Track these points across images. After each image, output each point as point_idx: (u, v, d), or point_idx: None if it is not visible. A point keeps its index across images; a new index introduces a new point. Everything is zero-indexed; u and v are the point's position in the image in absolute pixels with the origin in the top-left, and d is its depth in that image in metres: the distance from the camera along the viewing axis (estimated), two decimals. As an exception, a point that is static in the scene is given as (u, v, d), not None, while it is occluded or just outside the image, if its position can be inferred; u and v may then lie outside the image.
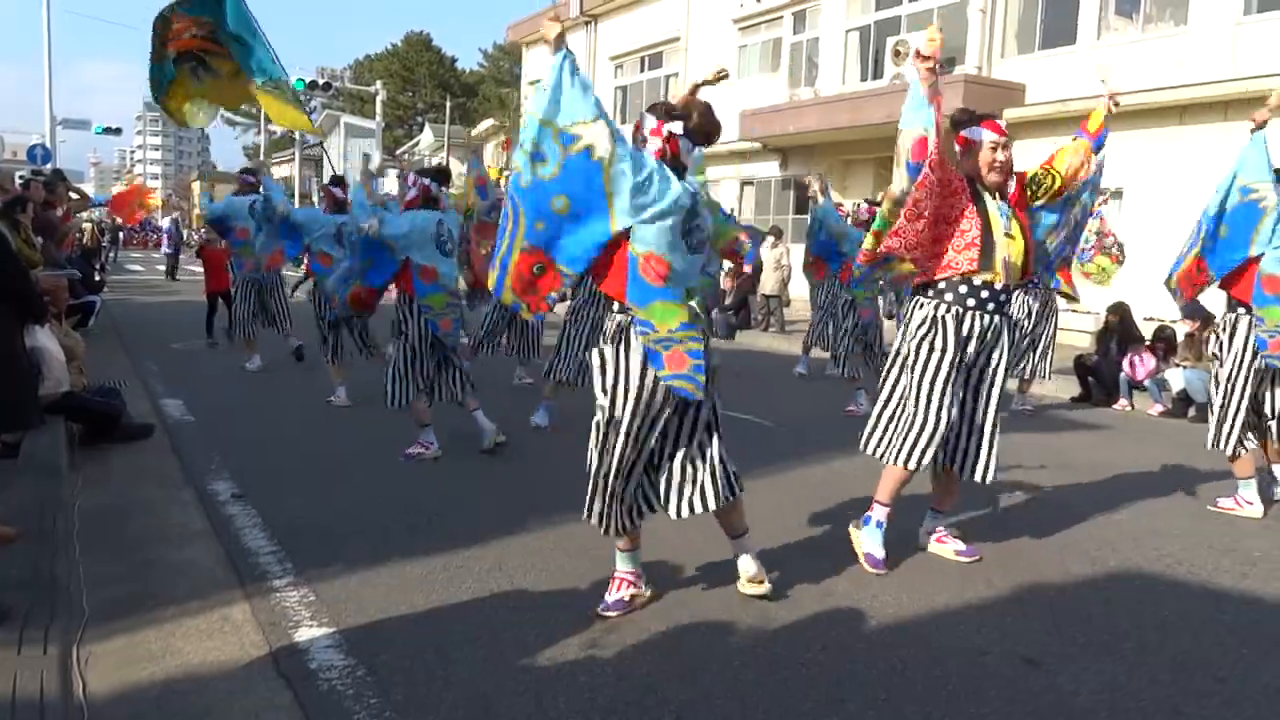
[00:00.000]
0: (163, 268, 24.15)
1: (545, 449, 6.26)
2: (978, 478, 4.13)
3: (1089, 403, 9.25)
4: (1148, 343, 9.40)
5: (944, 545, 4.31)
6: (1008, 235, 3.92)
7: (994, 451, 4.12)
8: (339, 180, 8.19)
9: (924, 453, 4.00)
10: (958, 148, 4.02)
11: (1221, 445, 5.19)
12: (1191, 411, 8.63)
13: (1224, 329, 5.26)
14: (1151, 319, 10.02)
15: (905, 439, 4.04)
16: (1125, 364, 9.14)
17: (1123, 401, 9.11)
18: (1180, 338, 9.17)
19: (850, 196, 15.28)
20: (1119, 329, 9.39)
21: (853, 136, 16.07)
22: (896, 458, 4.06)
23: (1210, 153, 12.01)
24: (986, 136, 3.95)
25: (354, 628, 3.33)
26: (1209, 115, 12.09)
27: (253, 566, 3.93)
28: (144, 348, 10.58)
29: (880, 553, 4.11)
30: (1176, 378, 8.76)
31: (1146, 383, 9.02)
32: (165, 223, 24.28)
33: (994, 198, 3.97)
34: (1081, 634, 3.50)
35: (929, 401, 3.96)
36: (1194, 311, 8.87)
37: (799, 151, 18.56)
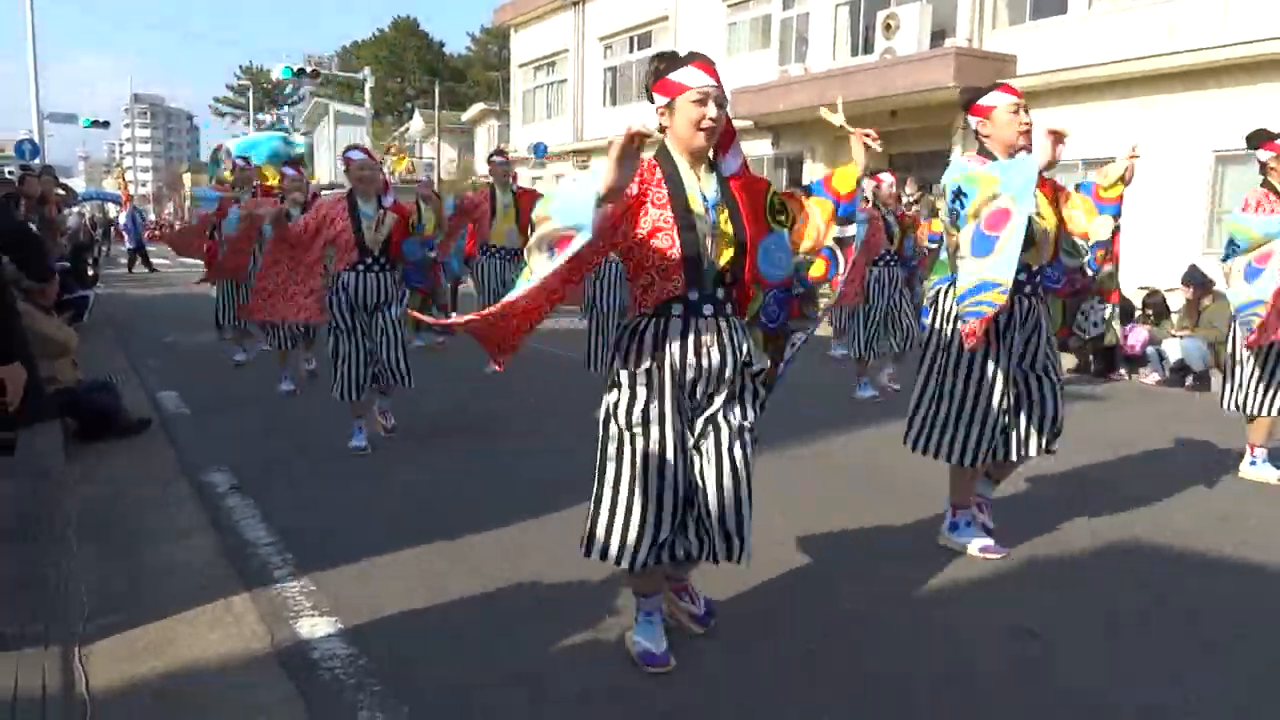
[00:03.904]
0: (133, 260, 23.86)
1: (545, 438, 6.26)
2: (1035, 452, 3.99)
3: (1088, 374, 9.25)
4: (1139, 311, 9.40)
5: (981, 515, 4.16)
6: (1038, 214, 3.77)
7: (1060, 421, 3.96)
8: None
9: (985, 449, 3.90)
10: (974, 119, 3.86)
11: None
12: (1189, 380, 8.64)
13: None
14: (1144, 287, 10.00)
15: (961, 435, 3.91)
16: (1120, 335, 9.14)
17: (1121, 372, 9.11)
18: (1178, 305, 9.16)
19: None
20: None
21: (845, 113, 16.00)
22: (956, 456, 3.94)
23: (1202, 120, 11.97)
24: (1005, 100, 3.78)
25: (356, 617, 3.33)
26: (1200, 82, 12.03)
27: (252, 558, 3.92)
28: (139, 341, 10.55)
29: (989, 540, 4.05)
30: (1174, 347, 8.75)
31: (1148, 350, 9.01)
32: (122, 218, 23.98)
33: None
34: (1082, 604, 3.51)
35: (979, 393, 3.85)
36: (1193, 278, 8.87)
37: (791, 129, 18.46)
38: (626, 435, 2.78)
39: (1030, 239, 3.71)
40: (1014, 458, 4.01)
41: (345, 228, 5.47)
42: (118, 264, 25.37)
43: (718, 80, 2.76)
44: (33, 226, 7.63)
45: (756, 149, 19.23)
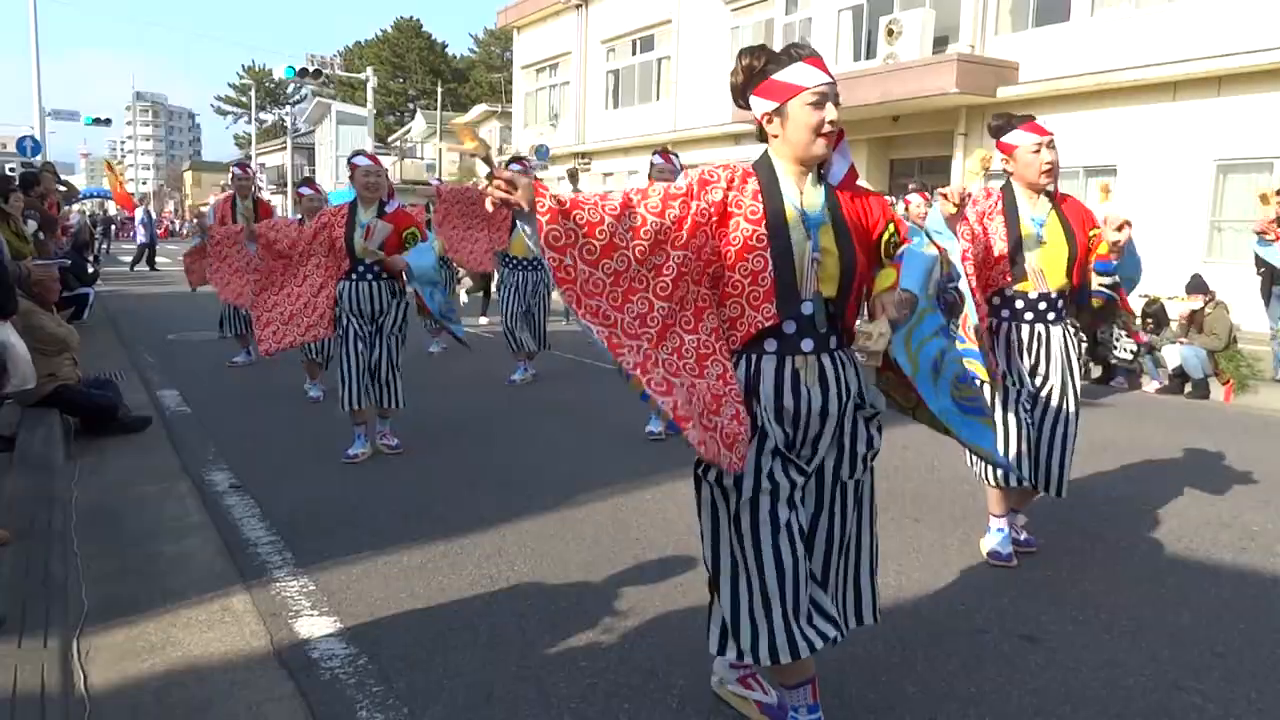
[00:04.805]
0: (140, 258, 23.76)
1: (539, 438, 6.26)
2: (1052, 492, 3.91)
3: (1087, 381, 9.26)
4: (1137, 319, 9.41)
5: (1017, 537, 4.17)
6: (1041, 242, 3.77)
7: (1069, 463, 3.91)
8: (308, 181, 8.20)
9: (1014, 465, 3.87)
10: (998, 154, 3.86)
11: None
12: (1188, 388, 8.65)
13: None
14: (1144, 295, 10.01)
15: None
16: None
17: (1120, 379, 9.12)
18: (1179, 312, 9.15)
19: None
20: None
21: (847, 117, 15.94)
22: (987, 475, 3.95)
23: (1203, 128, 11.99)
24: (1027, 140, 3.76)
25: (355, 616, 3.34)
26: (1202, 91, 12.05)
27: (252, 557, 3.93)
28: (139, 339, 10.55)
29: (1005, 549, 4.02)
30: (1173, 354, 8.76)
31: (1144, 359, 9.02)
32: (139, 213, 24.38)
33: (1031, 202, 3.82)
34: (1080, 611, 3.51)
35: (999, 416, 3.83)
36: (1199, 287, 8.88)
37: (793, 133, 18.51)
38: (725, 503, 2.34)
39: (1020, 270, 3.77)
40: (1033, 485, 3.95)
41: (340, 234, 5.42)
42: (119, 262, 25.37)
43: (831, 76, 2.35)
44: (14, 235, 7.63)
45: (759, 153, 19.26)
